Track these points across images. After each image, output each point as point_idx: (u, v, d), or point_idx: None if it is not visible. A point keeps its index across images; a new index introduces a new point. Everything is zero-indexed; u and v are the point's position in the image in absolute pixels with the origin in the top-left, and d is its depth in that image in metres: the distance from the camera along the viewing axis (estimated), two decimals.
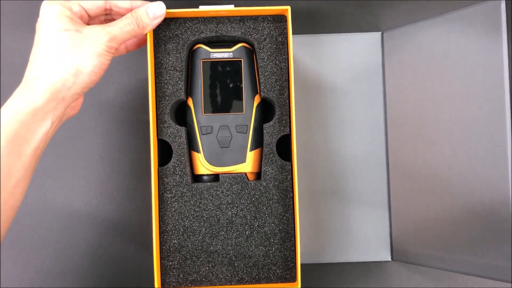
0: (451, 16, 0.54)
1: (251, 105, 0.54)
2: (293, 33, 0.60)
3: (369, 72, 0.62)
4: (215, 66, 0.54)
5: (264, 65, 0.53)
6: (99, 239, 0.62)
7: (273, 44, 0.53)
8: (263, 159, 0.53)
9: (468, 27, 0.52)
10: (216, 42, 0.54)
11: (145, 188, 0.62)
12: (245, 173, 0.53)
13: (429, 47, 0.56)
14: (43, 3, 0.46)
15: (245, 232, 0.53)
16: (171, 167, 0.53)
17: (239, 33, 0.53)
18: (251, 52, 0.54)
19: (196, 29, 0.53)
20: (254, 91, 0.54)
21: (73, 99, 0.46)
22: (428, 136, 0.56)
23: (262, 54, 0.53)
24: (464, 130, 0.52)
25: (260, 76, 0.53)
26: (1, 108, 0.42)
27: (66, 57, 0.44)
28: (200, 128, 0.53)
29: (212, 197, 0.53)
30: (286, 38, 0.54)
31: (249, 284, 0.53)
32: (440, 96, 0.55)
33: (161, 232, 0.53)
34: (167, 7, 0.50)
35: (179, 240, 0.53)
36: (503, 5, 0.48)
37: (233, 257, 0.53)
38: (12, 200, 0.42)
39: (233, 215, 0.53)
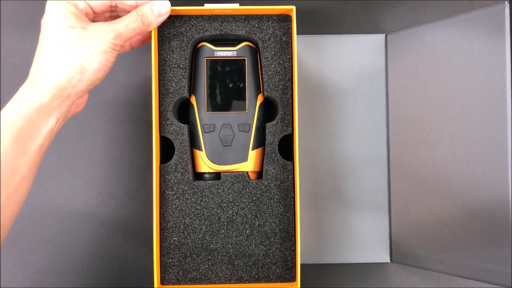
0: (455, 19, 0.54)
1: (254, 104, 0.54)
2: (297, 33, 0.59)
3: (372, 74, 0.62)
4: (219, 64, 0.54)
5: (268, 64, 0.53)
6: (99, 239, 0.62)
7: (277, 44, 0.53)
8: (265, 158, 0.53)
9: (472, 31, 0.52)
10: (220, 41, 0.54)
11: (145, 188, 0.62)
12: (247, 172, 0.53)
13: (432, 50, 0.56)
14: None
15: (246, 231, 0.53)
16: (173, 165, 0.53)
17: (244, 32, 0.53)
18: (255, 51, 0.54)
19: (200, 27, 0.53)
20: (257, 90, 0.54)
21: (78, 96, 0.46)
22: (430, 138, 0.56)
23: (266, 53, 0.53)
24: (465, 132, 0.52)
25: (264, 76, 0.53)
26: (7, 105, 0.43)
27: (72, 54, 0.44)
28: (202, 126, 0.53)
29: (213, 195, 0.53)
30: (291, 38, 0.54)
31: (248, 283, 0.53)
32: (442, 99, 0.55)
33: (162, 229, 0.53)
34: (172, 5, 0.50)
35: (179, 238, 0.53)
36: (507, 10, 0.48)
37: (233, 255, 0.53)
38: (16, 196, 0.42)
39: (234, 214, 0.53)
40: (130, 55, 0.62)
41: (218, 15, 0.53)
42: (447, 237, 0.54)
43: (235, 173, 0.53)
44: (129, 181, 0.63)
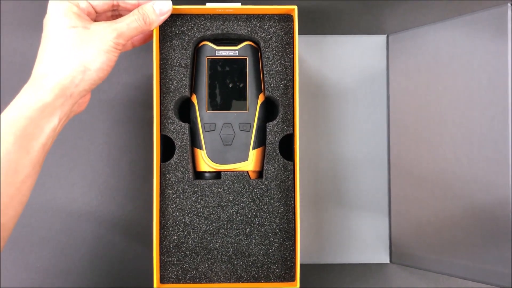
0: (457, 20, 0.54)
1: (255, 104, 0.54)
2: (299, 33, 0.60)
3: (373, 75, 0.62)
4: (220, 63, 0.54)
5: (269, 64, 0.53)
6: (99, 238, 0.62)
7: (279, 43, 0.54)
8: (265, 158, 0.53)
9: (474, 32, 0.52)
10: (222, 40, 0.54)
11: (145, 188, 0.62)
12: (247, 171, 0.53)
13: (434, 51, 0.56)
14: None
15: (245, 230, 0.53)
16: (173, 163, 0.53)
17: (245, 31, 0.53)
18: (256, 51, 0.54)
19: (202, 26, 0.53)
20: (259, 89, 0.54)
21: (81, 96, 0.46)
22: (431, 140, 0.56)
23: (267, 53, 0.53)
24: (466, 134, 0.52)
25: (265, 75, 0.53)
26: (10, 105, 0.43)
27: (74, 54, 0.45)
28: (203, 125, 0.53)
29: (214, 194, 0.53)
30: (292, 37, 0.54)
31: (248, 282, 0.53)
32: (443, 100, 0.55)
33: (162, 228, 0.53)
34: (174, 4, 0.50)
35: (179, 237, 0.53)
36: (509, 11, 0.48)
37: (233, 255, 0.53)
38: (19, 195, 0.42)
39: (234, 213, 0.53)
40: (131, 54, 0.62)
41: (220, 14, 0.53)
42: (447, 238, 0.54)
43: (235, 172, 0.53)
44: (129, 181, 0.63)
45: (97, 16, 0.50)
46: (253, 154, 0.53)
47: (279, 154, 0.53)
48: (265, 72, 0.53)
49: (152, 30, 0.51)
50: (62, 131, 0.48)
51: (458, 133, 0.53)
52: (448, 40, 0.54)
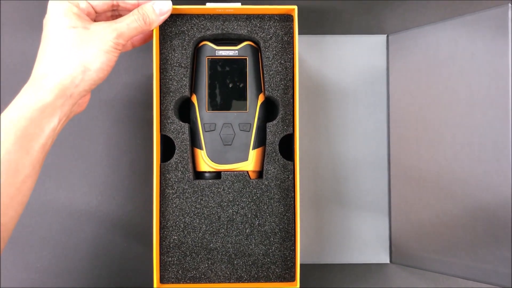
0: (458, 20, 0.54)
1: (255, 104, 0.54)
2: (299, 33, 0.60)
3: (373, 75, 0.62)
4: (220, 63, 0.54)
5: (269, 64, 0.53)
6: (99, 239, 0.62)
7: (279, 43, 0.54)
8: (265, 158, 0.53)
9: (475, 32, 0.52)
10: (222, 40, 0.54)
11: (145, 188, 0.62)
12: (247, 171, 0.53)
13: (435, 51, 0.56)
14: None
15: (245, 230, 0.53)
16: (173, 163, 0.53)
17: (245, 31, 0.53)
18: (256, 51, 0.54)
19: (202, 26, 0.53)
20: (259, 89, 0.54)
21: (81, 96, 0.46)
22: (431, 140, 0.56)
23: (267, 53, 0.53)
24: (467, 134, 0.52)
25: (265, 75, 0.53)
26: (10, 105, 0.43)
27: (74, 54, 0.45)
28: (203, 125, 0.53)
29: (214, 194, 0.53)
30: (292, 37, 0.54)
31: (248, 282, 0.53)
32: (444, 100, 0.55)
33: (162, 228, 0.53)
34: (174, 4, 0.50)
35: (179, 237, 0.53)
36: (510, 12, 0.48)
37: (233, 255, 0.53)
38: (20, 196, 0.42)
39: (234, 213, 0.53)
40: (131, 54, 0.62)
41: (220, 14, 0.53)
42: (448, 238, 0.54)
43: (235, 172, 0.53)
44: (129, 181, 0.63)
45: (96, 16, 0.49)
46: (253, 154, 0.53)
47: (279, 154, 0.53)
48: (265, 72, 0.53)
49: (152, 30, 0.51)
50: (62, 131, 0.48)
51: (459, 133, 0.53)
52: (449, 40, 0.54)
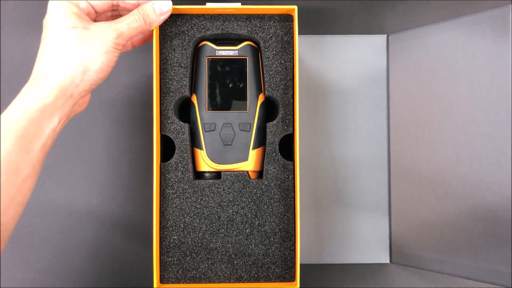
0: (459, 21, 0.54)
1: (255, 104, 0.54)
2: (299, 33, 0.60)
3: (373, 74, 0.62)
4: (220, 63, 0.54)
5: (269, 64, 0.53)
6: (99, 239, 0.62)
7: (279, 43, 0.54)
8: (265, 158, 0.53)
9: (476, 33, 0.52)
10: (222, 40, 0.54)
11: (145, 188, 0.62)
12: (247, 172, 0.53)
13: (435, 52, 0.56)
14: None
15: (245, 230, 0.53)
16: (173, 163, 0.53)
17: (245, 31, 0.53)
18: (256, 51, 0.54)
19: (202, 26, 0.53)
20: (259, 89, 0.54)
21: (81, 96, 0.46)
22: (432, 140, 0.56)
23: (267, 53, 0.53)
24: (469, 135, 0.52)
25: (265, 75, 0.53)
26: (10, 105, 0.43)
27: (74, 54, 0.45)
28: (203, 125, 0.53)
29: (214, 194, 0.53)
30: (292, 37, 0.54)
31: (247, 282, 0.53)
32: (444, 101, 0.55)
33: (161, 228, 0.53)
34: (174, 4, 0.50)
35: (179, 237, 0.53)
36: (511, 12, 0.48)
37: (233, 255, 0.53)
38: (20, 196, 0.42)
39: (234, 213, 0.53)
40: (131, 54, 0.62)
41: (220, 14, 0.53)
42: (448, 238, 0.54)
43: (235, 172, 0.53)
44: (129, 181, 0.63)
45: (96, 16, 0.49)
46: (253, 154, 0.53)
47: (279, 154, 0.53)
48: (265, 72, 0.53)
49: (152, 30, 0.51)
50: (62, 131, 0.48)
51: (460, 133, 0.53)
52: (450, 40, 0.54)
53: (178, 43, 0.53)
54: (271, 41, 0.54)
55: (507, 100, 0.49)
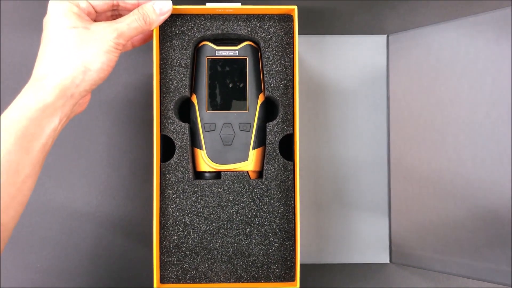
0: (460, 22, 0.54)
1: (255, 104, 0.54)
2: (299, 33, 0.60)
3: (373, 75, 0.62)
4: (220, 63, 0.54)
5: (269, 64, 0.53)
6: (99, 239, 0.62)
7: (279, 44, 0.54)
8: (265, 158, 0.53)
9: (477, 34, 0.52)
10: (222, 40, 0.54)
11: (146, 188, 0.62)
12: (247, 171, 0.53)
13: (436, 52, 0.56)
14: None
15: (245, 230, 0.53)
16: (173, 163, 0.53)
17: (245, 31, 0.53)
18: (256, 51, 0.54)
19: (202, 26, 0.53)
20: (259, 89, 0.54)
21: (82, 96, 0.46)
22: (433, 140, 0.56)
23: (267, 53, 0.53)
24: (470, 135, 0.52)
25: (265, 75, 0.53)
26: (10, 105, 0.43)
27: (75, 54, 0.45)
28: (203, 125, 0.53)
29: (214, 194, 0.53)
30: (292, 37, 0.54)
31: (247, 282, 0.53)
32: (446, 101, 0.55)
33: (162, 228, 0.53)
34: (174, 4, 0.50)
35: (179, 236, 0.53)
36: None
37: (233, 255, 0.53)
38: (20, 195, 0.42)
39: (234, 213, 0.53)
40: (131, 54, 0.62)
41: (220, 14, 0.53)
42: (449, 238, 0.54)
43: (235, 172, 0.53)
44: (129, 181, 0.63)
45: (97, 16, 0.49)
46: (253, 154, 0.53)
47: (279, 154, 0.53)
48: (265, 72, 0.53)
49: (152, 30, 0.51)
50: (62, 131, 0.48)
51: (461, 133, 0.53)
52: (451, 41, 0.54)
53: (178, 43, 0.53)
54: (271, 41, 0.54)
55: (508, 100, 0.49)
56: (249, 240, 0.53)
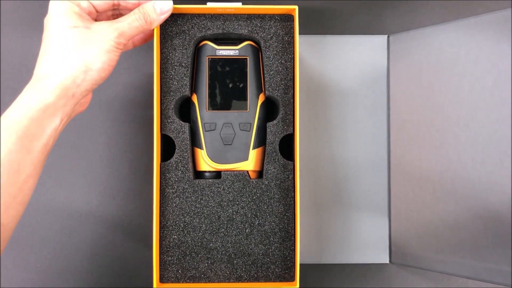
0: (462, 22, 0.54)
1: (255, 104, 0.54)
2: (299, 33, 0.60)
3: (374, 75, 0.62)
4: (220, 63, 0.54)
5: (270, 64, 0.53)
6: (99, 239, 0.62)
7: (279, 43, 0.54)
8: (265, 157, 0.53)
9: (478, 35, 0.52)
10: (223, 39, 0.54)
11: (145, 188, 0.62)
12: (247, 171, 0.53)
13: (437, 53, 0.56)
14: None
15: (245, 230, 0.53)
16: (174, 163, 0.53)
17: (246, 31, 0.53)
18: (257, 51, 0.54)
19: (203, 26, 0.53)
20: (259, 89, 0.54)
21: (83, 96, 0.46)
22: (433, 141, 0.56)
23: (268, 53, 0.54)
24: (470, 136, 0.52)
25: (265, 75, 0.54)
26: (11, 105, 0.43)
27: (75, 54, 0.45)
28: (203, 124, 0.53)
29: (214, 194, 0.53)
30: (293, 37, 0.54)
31: (247, 282, 0.53)
32: (445, 102, 0.55)
33: (161, 227, 0.53)
34: (175, 3, 0.50)
35: (179, 236, 0.53)
36: None
37: (233, 254, 0.53)
38: (21, 195, 0.42)
39: (234, 213, 0.53)
40: (131, 53, 0.62)
41: (221, 14, 0.53)
42: (449, 238, 0.54)
43: (235, 172, 0.53)
44: (129, 181, 0.63)
45: (97, 16, 0.50)
46: (253, 154, 0.53)
47: (279, 154, 0.53)
48: (265, 72, 0.53)
49: (153, 30, 0.51)
50: (62, 131, 0.48)
51: (462, 134, 0.53)
52: (451, 42, 0.54)
53: (179, 42, 0.53)
54: (271, 41, 0.54)
55: (509, 101, 0.49)
56: (249, 240, 0.53)
